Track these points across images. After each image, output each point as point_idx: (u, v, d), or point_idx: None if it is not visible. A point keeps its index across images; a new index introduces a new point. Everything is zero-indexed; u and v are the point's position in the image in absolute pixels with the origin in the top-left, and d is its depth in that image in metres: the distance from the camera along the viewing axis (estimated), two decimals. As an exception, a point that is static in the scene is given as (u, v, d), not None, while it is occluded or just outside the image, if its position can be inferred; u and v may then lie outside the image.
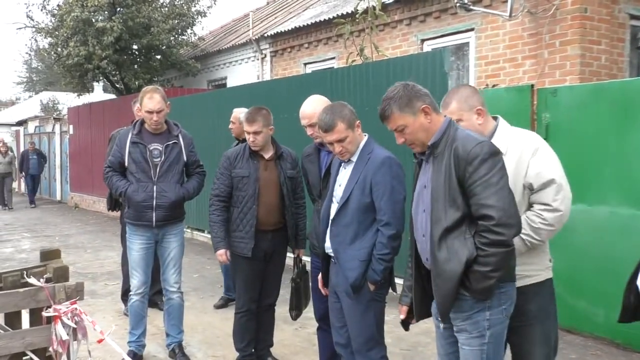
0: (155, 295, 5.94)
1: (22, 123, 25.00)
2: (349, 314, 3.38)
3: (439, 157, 2.61)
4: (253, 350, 4.54)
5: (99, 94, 24.86)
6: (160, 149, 4.58)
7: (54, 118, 20.04)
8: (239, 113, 6.09)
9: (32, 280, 3.13)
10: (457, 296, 2.55)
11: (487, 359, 2.61)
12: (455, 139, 2.58)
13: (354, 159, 3.37)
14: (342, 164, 3.43)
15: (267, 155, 4.38)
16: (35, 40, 17.11)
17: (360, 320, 3.34)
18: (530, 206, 2.80)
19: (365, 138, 3.42)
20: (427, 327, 5.53)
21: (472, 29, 8.84)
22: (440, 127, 2.66)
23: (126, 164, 4.59)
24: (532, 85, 5.51)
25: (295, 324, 5.42)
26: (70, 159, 17.22)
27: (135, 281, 4.68)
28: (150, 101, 4.48)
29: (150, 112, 4.48)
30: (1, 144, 17.20)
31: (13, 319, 3.21)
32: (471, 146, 2.50)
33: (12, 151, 18.40)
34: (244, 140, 5.90)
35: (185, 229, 8.26)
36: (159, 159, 4.56)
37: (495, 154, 2.51)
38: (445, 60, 5.98)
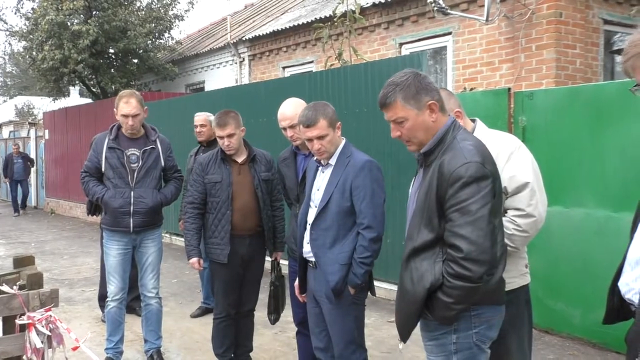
0: (133, 301, 5.87)
1: (-5, 128, 24.64)
2: (329, 318, 3.37)
3: (429, 167, 2.40)
4: (232, 355, 4.51)
5: (75, 98, 24.63)
6: (138, 154, 4.52)
7: (29, 123, 19.75)
8: (208, 116, 6.02)
9: (4, 287, 3.06)
10: (418, 319, 2.41)
11: None
12: (448, 150, 2.33)
13: (333, 162, 3.35)
14: (320, 168, 3.42)
15: (240, 159, 4.35)
16: (10, 44, 16.73)
17: (341, 324, 3.33)
18: (504, 212, 2.69)
19: (343, 142, 3.41)
20: (407, 330, 5.55)
21: (449, 33, 8.91)
22: (438, 132, 2.40)
23: (103, 169, 4.52)
24: (509, 89, 5.56)
25: (274, 328, 5.39)
26: (45, 164, 16.94)
27: (113, 287, 4.62)
28: (127, 105, 4.42)
29: (126, 117, 4.43)
30: None
31: (-15, 328, 3.14)
32: (456, 165, 2.25)
33: None
34: (209, 143, 5.92)
35: (163, 234, 8.20)
36: (136, 164, 4.51)
37: (481, 178, 2.24)
38: (423, 64, 6.02)
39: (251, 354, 4.66)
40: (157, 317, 4.78)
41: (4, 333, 3.22)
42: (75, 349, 3.15)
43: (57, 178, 16.40)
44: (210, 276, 4.51)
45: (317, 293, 3.41)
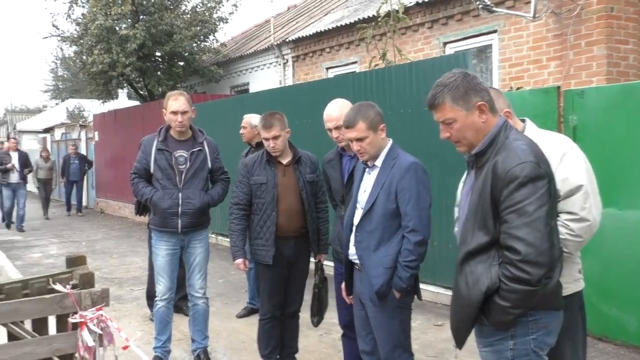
0: (180, 301, 5.96)
1: (49, 130, 25.42)
2: (374, 321, 3.34)
3: (481, 168, 2.35)
4: (278, 356, 4.53)
5: (123, 100, 25.15)
6: (186, 155, 4.59)
7: (80, 125, 20.28)
8: (250, 118, 6.10)
9: (58, 286, 3.15)
10: (474, 324, 2.37)
11: None
12: (501, 151, 2.28)
13: (379, 164, 3.33)
14: (367, 170, 3.40)
15: (285, 160, 4.36)
16: (61, 49, 17.16)
17: (387, 328, 3.30)
18: (557, 215, 2.58)
19: (390, 143, 3.39)
20: (453, 333, 5.47)
21: (495, 31, 8.74)
22: (490, 133, 2.36)
23: (152, 170, 4.60)
24: (559, 87, 5.42)
25: (319, 330, 5.39)
26: (95, 165, 17.33)
27: (161, 287, 4.69)
28: (175, 102, 4.51)
29: (175, 113, 4.50)
30: (42, 149, 17.03)
31: (40, 325, 3.23)
32: (511, 165, 2.21)
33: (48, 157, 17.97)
34: (258, 145, 5.96)
35: (210, 235, 8.29)
36: (184, 165, 4.57)
37: (537, 178, 2.19)
38: (468, 63, 5.93)
39: (296, 355, 4.68)
40: (204, 317, 4.84)
41: (57, 331, 3.32)
42: (125, 348, 3.21)
43: (107, 178, 16.79)
44: (256, 277, 4.53)
45: (362, 296, 3.40)
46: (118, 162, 15.69)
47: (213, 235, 10.51)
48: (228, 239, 10.12)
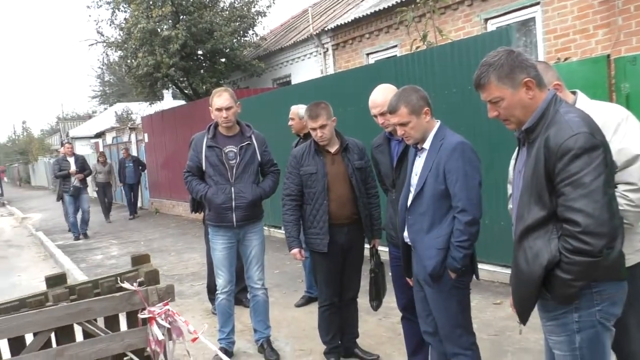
0: (240, 293, 6.10)
1: (100, 135, 26.20)
2: (432, 302, 3.37)
3: (533, 143, 2.33)
4: (339, 342, 4.60)
5: (168, 101, 25.63)
6: (235, 150, 4.69)
7: (129, 128, 20.79)
8: (297, 109, 6.15)
9: (126, 285, 3.29)
10: (537, 299, 2.36)
11: None
12: (552, 124, 2.26)
13: (427, 146, 3.34)
14: (417, 153, 3.42)
15: (333, 149, 4.41)
16: (107, 55, 17.45)
17: (445, 309, 3.32)
18: (614, 186, 2.53)
19: (438, 124, 3.39)
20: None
21: (537, 3, 8.56)
22: (539, 107, 2.33)
23: (204, 167, 4.72)
24: (609, 55, 5.28)
25: (378, 315, 5.44)
26: (147, 165, 17.75)
27: (221, 280, 4.83)
28: (219, 99, 4.62)
29: (220, 110, 4.62)
30: (99, 154, 17.42)
31: (112, 322, 3.39)
32: (564, 138, 2.18)
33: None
34: (306, 135, 6.02)
35: (263, 227, 8.42)
36: (234, 160, 4.68)
37: (592, 148, 2.16)
38: (512, 38, 5.83)
39: (357, 340, 4.74)
40: (264, 308, 4.96)
41: (128, 327, 3.47)
42: (194, 340, 3.33)
43: (159, 178, 17.19)
44: (312, 266, 4.61)
45: (419, 277, 3.42)
46: (168, 162, 16.04)
47: (265, 228, 10.65)
48: (281, 231, 10.33)
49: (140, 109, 30.51)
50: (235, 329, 5.12)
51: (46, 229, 15.47)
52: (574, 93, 2.90)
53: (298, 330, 5.57)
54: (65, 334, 3.20)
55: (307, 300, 6.38)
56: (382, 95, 3.92)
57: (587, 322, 2.32)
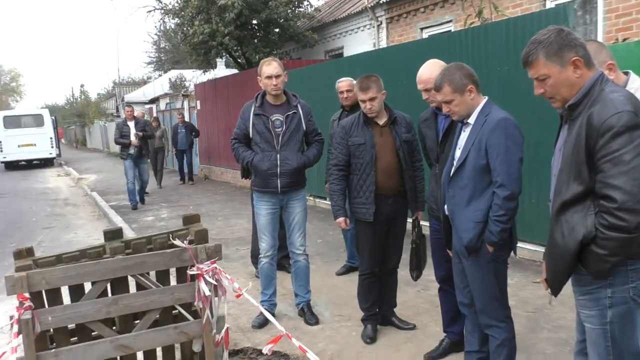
0: (283, 259, 6.28)
1: (154, 101, 26.75)
2: (470, 274, 3.44)
3: (575, 120, 2.38)
4: (377, 310, 4.73)
5: (221, 69, 25.95)
6: (282, 119, 4.84)
7: (182, 95, 21.16)
8: (352, 81, 6.19)
9: (177, 242, 3.47)
10: (570, 273, 2.42)
11: (612, 341, 2.40)
12: (596, 102, 2.30)
13: (472, 121, 3.39)
14: (462, 127, 3.47)
15: (382, 121, 4.48)
16: (164, 22, 17.70)
17: (481, 281, 3.39)
18: None
19: (484, 101, 3.42)
20: (553, 291, 5.46)
21: (601, -20, 8.30)
22: (585, 86, 2.37)
23: (251, 135, 4.89)
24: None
25: (417, 286, 5.55)
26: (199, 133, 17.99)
27: (264, 244, 5.01)
28: (269, 67, 4.77)
29: (270, 77, 4.76)
30: (153, 119, 17.50)
31: (162, 277, 3.59)
32: (607, 115, 2.22)
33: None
34: (352, 108, 6.09)
35: (308, 197, 8.58)
36: (280, 128, 4.83)
37: (634, 127, 2.19)
38: (569, 16, 5.74)
39: (395, 309, 4.86)
40: (305, 273, 5.13)
41: (177, 282, 3.67)
42: (238, 296, 3.50)
43: (210, 145, 17.52)
44: (355, 235, 4.72)
45: (457, 249, 3.50)
46: (219, 129, 16.32)
47: (311, 198, 10.82)
48: (326, 202, 10.48)
49: (194, 77, 30.97)
50: (278, 293, 5.30)
51: (100, 189, 16.02)
52: (626, 74, 2.89)
53: (337, 297, 5.72)
54: (119, 285, 3.42)
55: (347, 269, 6.52)
56: (428, 71, 3.96)
57: (620, 298, 2.36)
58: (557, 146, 2.60)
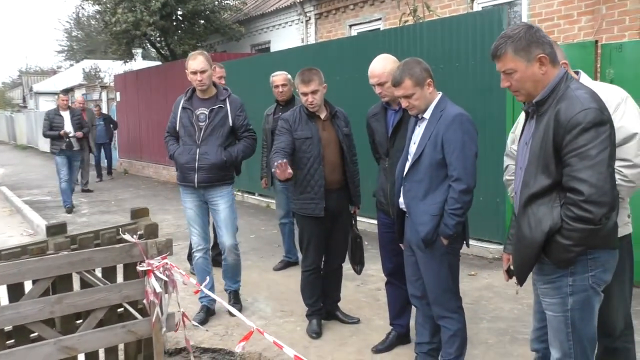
0: (218, 256, 6.15)
1: (67, 91, 25.54)
2: (424, 267, 3.49)
3: (542, 116, 2.46)
4: (322, 304, 4.71)
5: (138, 61, 25.16)
6: (206, 113, 4.75)
7: (101, 86, 20.36)
8: (286, 75, 6.15)
9: (127, 236, 3.32)
10: (535, 263, 2.50)
11: (572, 327, 2.50)
12: (562, 99, 2.38)
13: (427, 116, 3.43)
14: (417, 122, 3.51)
15: (323, 115, 4.46)
16: (83, 8, 16.91)
17: (436, 273, 3.46)
18: None
19: (439, 96, 3.48)
20: (489, 283, 5.65)
21: (525, -15, 8.67)
22: (551, 83, 2.46)
23: (177, 128, 4.83)
24: (596, 41, 5.44)
25: (356, 281, 5.59)
26: (118, 125, 17.35)
27: (195, 238, 4.94)
28: (194, 62, 4.68)
29: (194, 73, 4.68)
30: (95, 107, 16.11)
31: (109, 274, 3.42)
32: (574, 112, 2.31)
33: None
34: (287, 103, 6.07)
35: (236, 192, 8.45)
36: (203, 122, 4.74)
37: (600, 123, 2.29)
38: (503, 19, 5.93)
39: (338, 304, 4.87)
40: (234, 269, 5.08)
41: (124, 279, 3.50)
42: (197, 292, 3.39)
43: (130, 139, 16.93)
44: (300, 231, 4.65)
45: (411, 242, 3.54)
46: (141, 122, 15.81)
47: (239, 193, 10.69)
48: (254, 196, 10.40)
49: (110, 67, 29.87)
50: (215, 289, 5.17)
51: (10, 184, 15.12)
52: (577, 73, 3.01)
53: (277, 292, 5.67)
54: (63, 283, 3.22)
55: (285, 265, 6.48)
56: (380, 65, 3.95)
57: (580, 286, 2.47)
58: (521, 140, 2.68)
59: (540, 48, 2.45)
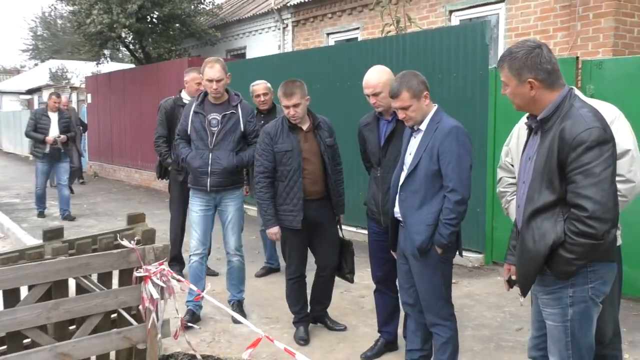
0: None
1: (33, 91, 25.01)
2: (417, 275, 3.56)
3: (547, 133, 2.54)
4: (308, 311, 4.74)
5: (111, 63, 24.85)
6: (218, 118, 4.80)
7: (70, 87, 20.01)
8: (266, 84, 6.18)
9: (124, 242, 3.30)
10: (537, 275, 2.59)
11: (572, 337, 2.59)
12: (567, 117, 2.47)
13: (423, 128, 3.51)
14: (413, 134, 3.58)
15: (305, 126, 4.48)
16: (55, 8, 16.61)
17: (429, 281, 3.53)
18: None
19: (435, 108, 3.56)
20: (470, 291, 5.75)
21: (502, 0, 8.88)
22: (555, 101, 2.55)
23: (188, 132, 4.86)
24: (577, 57, 5.61)
25: (340, 287, 5.61)
26: (88, 127, 17.08)
27: (194, 241, 4.94)
28: (211, 70, 4.70)
29: (210, 81, 4.71)
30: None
31: (105, 279, 3.40)
32: (579, 131, 2.39)
33: None
34: (269, 111, 6.10)
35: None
36: (216, 127, 4.80)
37: (603, 142, 2.38)
38: (486, 32, 6.08)
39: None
40: (239, 274, 5.10)
41: (119, 284, 3.48)
42: (198, 298, 3.38)
43: (100, 142, 16.66)
44: (282, 241, 4.64)
45: (406, 251, 3.61)
46: (113, 125, 15.60)
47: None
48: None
49: (77, 68, 29.41)
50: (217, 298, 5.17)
51: (-27, 186, 14.77)
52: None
53: (261, 299, 5.67)
54: (59, 289, 3.19)
55: (267, 271, 6.49)
56: (376, 76, 4.02)
57: (580, 297, 2.56)
58: (524, 155, 2.77)
59: (532, 72, 2.54)
